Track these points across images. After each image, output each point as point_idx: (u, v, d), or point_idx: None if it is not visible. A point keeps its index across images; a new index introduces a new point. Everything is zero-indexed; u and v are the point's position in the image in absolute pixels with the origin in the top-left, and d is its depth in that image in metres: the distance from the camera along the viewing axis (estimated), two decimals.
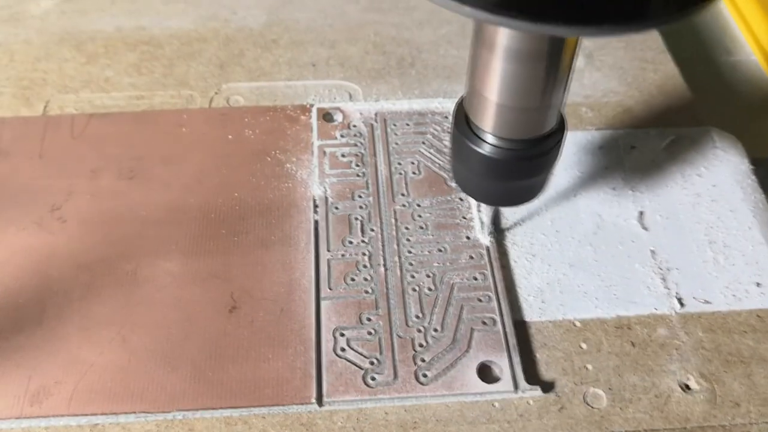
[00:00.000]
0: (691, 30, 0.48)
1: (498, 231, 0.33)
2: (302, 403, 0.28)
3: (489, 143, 0.27)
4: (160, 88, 0.39)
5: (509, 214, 0.34)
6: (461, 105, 0.28)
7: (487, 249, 0.32)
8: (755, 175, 0.37)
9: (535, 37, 0.23)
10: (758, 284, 0.32)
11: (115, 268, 0.32)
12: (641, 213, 0.35)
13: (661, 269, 0.33)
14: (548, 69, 0.24)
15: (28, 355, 0.29)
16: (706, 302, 0.32)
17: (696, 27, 0.48)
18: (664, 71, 0.42)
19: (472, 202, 0.34)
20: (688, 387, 0.29)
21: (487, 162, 0.27)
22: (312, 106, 0.38)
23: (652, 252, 0.33)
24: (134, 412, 0.28)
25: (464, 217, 0.34)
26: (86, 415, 0.28)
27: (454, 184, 0.34)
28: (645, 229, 0.34)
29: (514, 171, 0.28)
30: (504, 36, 0.23)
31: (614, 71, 0.41)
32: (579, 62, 0.41)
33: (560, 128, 0.28)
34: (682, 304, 0.32)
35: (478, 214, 0.34)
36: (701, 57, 0.47)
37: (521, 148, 0.27)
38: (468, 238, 0.33)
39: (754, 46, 0.47)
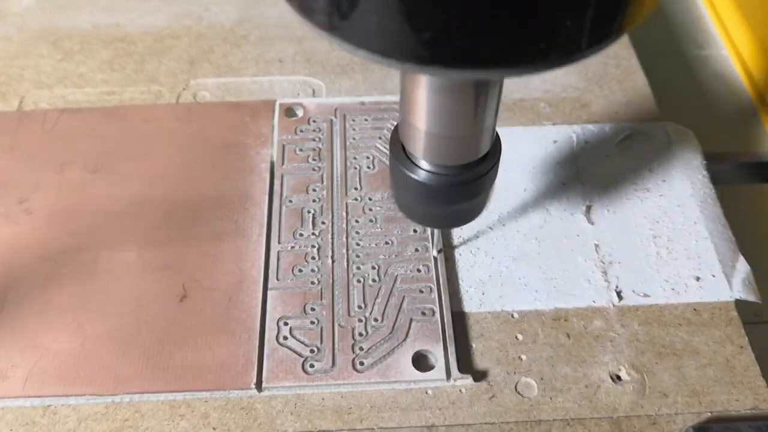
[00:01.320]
0: (663, 23, 0.49)
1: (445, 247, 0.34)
2: (242, 389, 0.29)
3: (424, 170, 0.27)
4: (131, 83, 0.41)
5: None
6: (396, 132, 0.28)
7: (432, 240, 0.33)
8: (707, 170, 0.37)
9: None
10: (698, 278, 0.33)
11: (75, 258, 0.33)
12: (589, 207, 0.35)
13: (603, 263, 0.34)
14: (475, 98, 0.24)
15: None
16: (645, 296, 0.33)
17: (668, 20, 0.49)
18: (627, 66, 0.42)
19: None
20: (618, 378, 0.30)
21: (424, 188, 0.27)
22: (275, 101, 0.39)
23: (596, 246, 0.34)
24: (84, 395, 0.29)
25: None
26: (39, 396, 0.29)
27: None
28: (591, 223, 0.35)
29: (452, 195, 0.28)
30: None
31: (575, 66, 0.42)
32: None
33: (495, 150, 0.28)
34: (620, 297, 0.32)
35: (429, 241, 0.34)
36: (671, 51, 0.47)
37: (456, 173, 0.27)
38: (415, 231, 0.34)
39: (726, 40, 0.47)
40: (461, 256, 0.34)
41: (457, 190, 0.27)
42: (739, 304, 0.32)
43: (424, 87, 0.23)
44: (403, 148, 0.27)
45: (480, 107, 0.24)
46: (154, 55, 0.42)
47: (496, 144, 0.28)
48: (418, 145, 0.26)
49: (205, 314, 0.31)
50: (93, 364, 0.30)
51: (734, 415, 0.29)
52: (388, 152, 0.35)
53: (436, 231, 0.33)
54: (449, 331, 0.31)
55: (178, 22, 0.44)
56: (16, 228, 0.34)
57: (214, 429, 0.29)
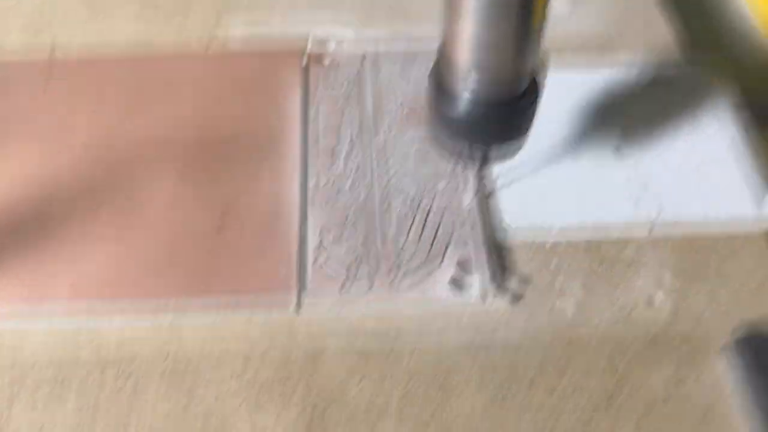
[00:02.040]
0: None
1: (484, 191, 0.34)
2: (283, 307, 0.30)
3: (468, 88, 0.27)
4: (161, 32, 0.41)
5: None
6: (441, 51, 0.28)
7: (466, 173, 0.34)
8: (734, 107, 0.38)
9: None
10: (730, 205, 0.33)
11: (113, 188, 0.34)
12: (618, 141, 0.36)
13: (635, 191, 0.34)
14: (514, 27, 0.25)
15: (30, 263, 0.31)
16: (677, 223, 0.33)
17: None
18: (649, 12, 0.43)
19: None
20: (652, 300, 0.31)
21: (465, 106, 0.28)
22: (304, 47, 0.40)
23: (627, 177, 0.35)
24: (127, 314, 0.30)
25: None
26: (82, 314, 0.30)
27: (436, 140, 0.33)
28: (621, 155, 0.35)
29: (496, 115, 0.28)
30: None
31: (599, 12, 0.42)
32: (564, 8, 0.43)
33: (537, 82, 0.28)
34: (652, 225, 0.33)
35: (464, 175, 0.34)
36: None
37: (502, 92, 0.28)
38: (446, 167, 0.34)
39: None
40: (496, 184, 0.34)
41: (503, 109, 0.28)
42: None
43: None
44: (446, 68, 0.28)
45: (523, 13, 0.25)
46: (182, 3, 0.43)
47: (540, 71, 0.28)
48: (464, 60, 0.27)
49: (243, 238, 0.32)
50: (133, 285, 0.31)
51: None
52: (416, 95, 0.35)
53: (472, 177, 0.33)
54: (485, 255, 0.31)
55: None
56: (53, 163, 0.35)
57: (255, 346, 0.29)
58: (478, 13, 0.25)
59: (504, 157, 0.32)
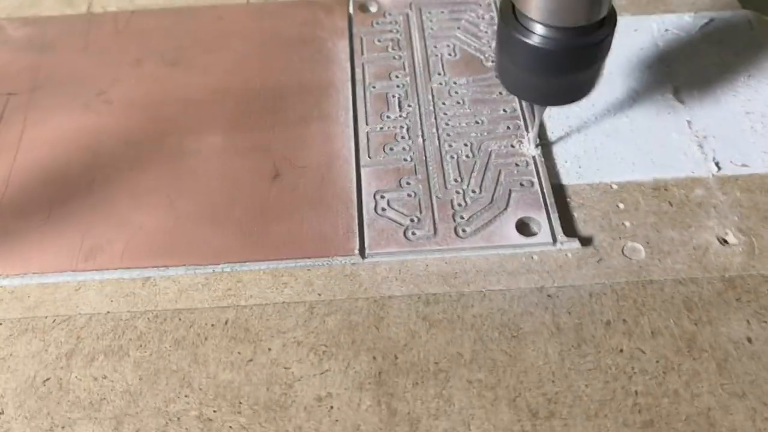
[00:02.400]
0: None
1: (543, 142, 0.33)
2: (346, 255, 0.29)
3: (538, 34, 0.26)
4: None
5: None
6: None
7: (523, 116, 0.33)
8: None
9: None
10: None
11: (161, 143, 0.33)
12: (677, 88, 0.35)
13: (697, 137, 0.33)
14: None
15: (80, 219, 0.30)
16: (744, 165, 0.32)
17: None
18: None
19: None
20: (726, 241, 0.30)
21: (536, 54, 0.26)
22: None
23: (689, 122, 0.33)
24: (184, 265, 0.29)
25: (500, 93, 0.34)
26: (138, 268, 0.29)
27: (499, 80, 0.32)
28: (681, 102, 0.34)
29: (566, 63, 0.27)
30: None
31: None
32: None
33: (611, 18, 0.27)
34: (719, 168, 0.32)
35: (525, 127, 0.33)
36: None
37: (572, 36, 0.26)
38: (505, 111, 0.33)
39: None
40: (553, 134, 0.33)
41: (572, 56, 0.26)
42: None
43: None
44: (513, 12, 0.26)
45: None
46: None
47: (613, 13, 0.27)
48: (534, 3, 0.25)
49: (299, 190, 0.31)
50: (188, 238, 0.30)
51: None
52: (468, 41, 0.34)
53: (535, 126, 0.32)
54: (550, 200, 0.30)
55: None
56: (98, 118, 0.34)
57: (319, 295, 0.28)
58: None
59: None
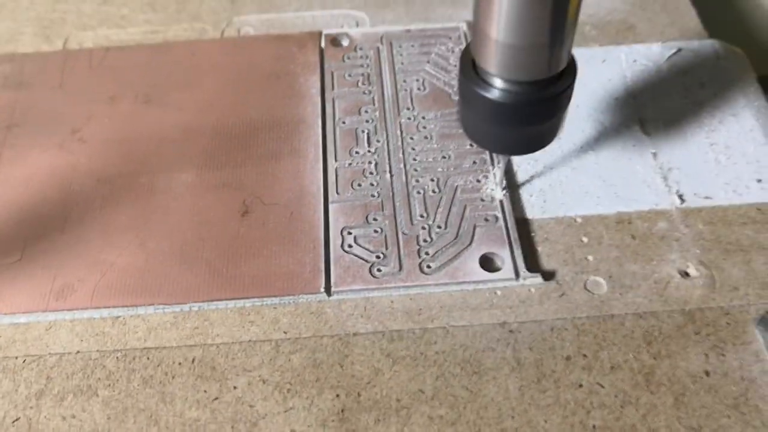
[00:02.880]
0: None
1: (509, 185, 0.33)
2: (312, 293, 0.29)
3: (497, 87, 0.26)
4: (174, 22, 0.41)
5: None
6: (467, 50, 0.27)
7: (491, 156, 0.33)
8: (759, 86, 0.37)
9: None
10: (759, 180, 0.33)
11: (133, 181, 0.33)
12: (643, 120, 0.35)
13: (661, 169, 0.33)
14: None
15: (53, 258, 0.31)
16: (707, 198, 0.32)
17: None
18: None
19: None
20: (687, 274, 0.30)
21: (496, 107, 0.26)
22: (320, 32, 0.39)
23: (654, 154, 0.34)
24: (153, 304, 0.29)
25: None
26: (108, 307, 0.29)
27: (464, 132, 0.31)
28: (647, 134, 0.35)
29: (526, 115, 0.27)
30: None
31: None
32: None
33: (571, 69, 0.27)
34: (682, 200, 0.32)
35: (492, 170, 0.33)
36: None
37: (532, 90, 0.26)
38: (471, 145, 0.34)
39: None
40: (519, 167, 0.34)
41: (532, 109, 0.26)
42: None
43: None
44: (473, 67, 0.27)
45: (558, 8, 0.23)
46: None
47: (573, 64, 0.27)
48: (494, 59, 0.25)
49: (268, 227, 0.31)
50: (158, 276, 0.30)
51: None
52: (437, 75, 0.35)
53: (499, 171, 0.32)
54: (514, 235, 0.31)
55: None
56: (71, 156, 0.34)
57: (285, 333, 0.29)
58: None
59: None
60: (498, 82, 0.26)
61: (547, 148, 0.32)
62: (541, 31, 0.24)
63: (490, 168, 0.33)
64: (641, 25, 0.40)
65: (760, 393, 0.27)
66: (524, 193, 0.33)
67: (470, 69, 0.27)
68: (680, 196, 0.32)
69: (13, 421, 0.27)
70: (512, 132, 0.28)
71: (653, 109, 0.36)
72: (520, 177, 0.33)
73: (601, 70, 0.37)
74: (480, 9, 0.24)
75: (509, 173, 0.33)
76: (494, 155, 0.33)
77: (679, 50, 0.38)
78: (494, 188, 0.32)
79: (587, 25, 0.40)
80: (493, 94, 0.26)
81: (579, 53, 0.36)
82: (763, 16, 0.45)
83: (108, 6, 0.42)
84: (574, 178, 0.33)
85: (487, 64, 0.26)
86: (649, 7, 0.41)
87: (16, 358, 0.29)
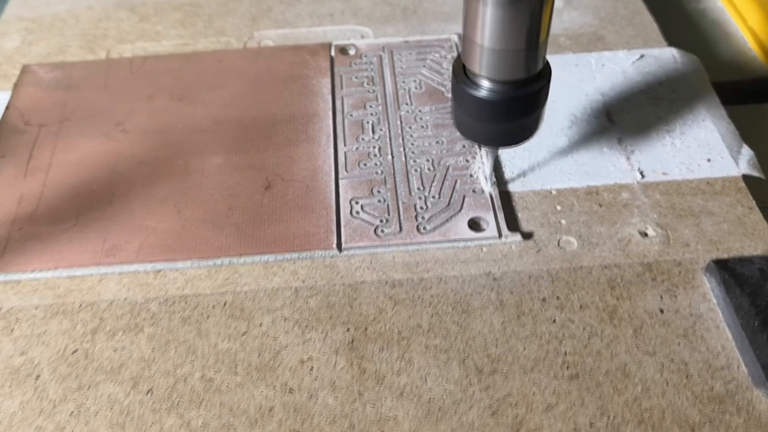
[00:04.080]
0: None
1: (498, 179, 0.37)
2: (326, 249, 0.35)
3: (484, 87, 0.31)
4: (202, 36, 0.47)
5: None
6: (458, 59, 0.32)
7: (479, 148, 0.39)
8: (709, 82, 0.43)
9: None
10: (708, 160, 0.38)
11: (169, 163, 0.39)
12: (609, 112, 0.41)
13: (625, 151, 0.39)
14: (531, 11, 0.28)
15: (102, 224, 0.36)
16: (664, 174, 0.38)
17: None
18: (634, 8, 0.48)
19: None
20: (646, 234, 0.35)
21: (484, 104, 0.31)
22: (330, 43, 0.45)
23: (619, 140, 0.40)
24: (190, 259, 0.34)
25: None
26: (151, 262, 0.34)
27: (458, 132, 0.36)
28: (612, 123, 0.40)
29: (509, 110, 0.32)
30: None
31: (590, 9, 0.48)
32: (558, 3, 0.48)
33: (546, 71, 0.32)
34: (643, 176, 0.38)
35: (481, 166, 0.38)
36: (670, 3, 0.53)
37: (513, 88, 0.31)
38: None
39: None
40: (502, 151, 0.39)
41: (515, 105, 0.31)
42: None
43: (488, 5, 0.28)
44: (464, 71, 0.32)
45: (534, 18, 0.28)
46: (220, 15, 0.48)
47: (547, 66, 0.32)
48: (481, 62, 0.30)
49: (287, 198, 0.37)
50: (194, 238, 0.35)
51: (747, 256, 0.34)
52: (432, 77, 0.41)
53: (488, 167, 0.37)
54: (497, 203, 0.36)
55: None
56: (116, 144, 0.40)
57: (303, 282, 0.34)
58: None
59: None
60: (484, 82, 0.31)
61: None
62: (518, 39, 0.29)
63: (478, 148, 0.38)
64: (610, 36, 0.46)
65: (706, 326, 0.32)
66: (507, 172, 0.38)
67: (461, 73, 0.32)
68: (641, 173, 0.38)
69: (73, 352, 0.32)
70: (498, 126, 0.33)
71: (618, 102, 0.41)
72: (504, 160, 0.38)
73: (574, 73, 0.43)
74: (468, 20, 0.30)
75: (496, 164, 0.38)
76: (484, 152, 0.37)
77: (642, 56, 0.44)
78: (485, 182, 0.37)
79: (562, 36, 0.46)
80: (481, 93, 0.31)
81: (554, 59, 0.42)
82: (716, 28, 0.51)
83: (144, 23, 0.48)
84: (550, 160, 0.38)
85: (475, 66, 0.31)
86: (617, 21, 0.47)
87: (74, 303, 0.34)
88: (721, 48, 0.49)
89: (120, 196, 0.37)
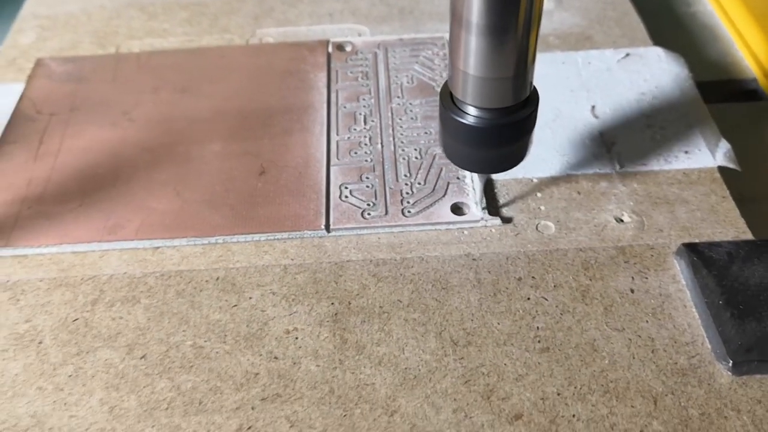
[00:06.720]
0: None
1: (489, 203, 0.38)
2: (314, 230, 0.36)
3: (471, 114, 0.31)
4: (207, 34, 0.49)
5: None
6: (446, 85, 0.33)
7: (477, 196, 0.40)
8: (692, 80, 0.44)
9: (499, 12, 0.27)
10: (686, 152, 0.40)
11: (171, 150, 0.41)
12: (593, 106, 0.43)
13: (606, 144, 0.41)
14: (516, 40, 0.28)
15: (106, 205, 0.38)
16: (643, 164, 0.39)
17: None
18: (623, 9, 0.50)
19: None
20: (622, 220, 0.37)
21: (471, 131, 0.32)
22: (328, 40, 0.48)
23: (601, 133, 0.41)
24: (185, 237, 0.37)
25: None
26: (150, 239, 0.37)
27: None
28: (596, 117, 0.42)
29: (496, 137, 0.32)
30: (474, 14, 0.28)
31: (579, 11, 0.50)
32: (549, 5, 0.50)
33: (533, 97, 0.31)
34: (622, 166, 0.39)
35: (473, 191, 0.38)
36: (662, 7, 0.55)
37: (500, 116, 0.31)
38: None
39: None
40: None
41: (503, 132, 0.32)
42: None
43: (472, 33, 0.28)
44: (451, 98, 0.32)
45: (520, 48, 0.29)
46: (224, 13, 0.51)
47: (535, 92, 0.32)
48: (468, 90, 0.30)
49: (280, 183, 0.39)
50: (190, 217, 0.37)
51: (717, 241, 0.35)
52: (424, 72, 0.43)
53: (478, 189, 0.37)
54: (479, 189, 0.38)
55: None
56: (122, 131, 0.42)
57: (292, 260, 0.36)
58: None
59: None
60: (471, 110, 0.31)
61: None
62: (504, 67, 0.29)
63: (470, 187, 0.38)
64: (597, 36, 0.48)
65: (674, 305, 0.33)
66: None
67: (449, 99, 0.32)
68: (620, 163, 0.39)
69: (74, 320, 0.34)
70: (486, 153, 0.33)
71: (602, 98, 0.43)
72: None
73: (560, 69, 0.45)
74: (453, 48, 0.30)
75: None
76: (476, 177, 0.37)
77: (628, 54, 0.46)
78: (476, 207, 0.38)
79: (551, 36, 0.48)
80: (468, 120, 0.31)
81: (542, 57, 0.44)
82: (700, 29, 0.52)
83: (152, 21, 0.50)
84: (533, 151, 0.40)
85: (462, 94, 0.31)
86: (605, 22, 0.49)
87: (76, 277, 0.36)
88: (709, 49, 0.51)
89: (124, 179, 0.39)
